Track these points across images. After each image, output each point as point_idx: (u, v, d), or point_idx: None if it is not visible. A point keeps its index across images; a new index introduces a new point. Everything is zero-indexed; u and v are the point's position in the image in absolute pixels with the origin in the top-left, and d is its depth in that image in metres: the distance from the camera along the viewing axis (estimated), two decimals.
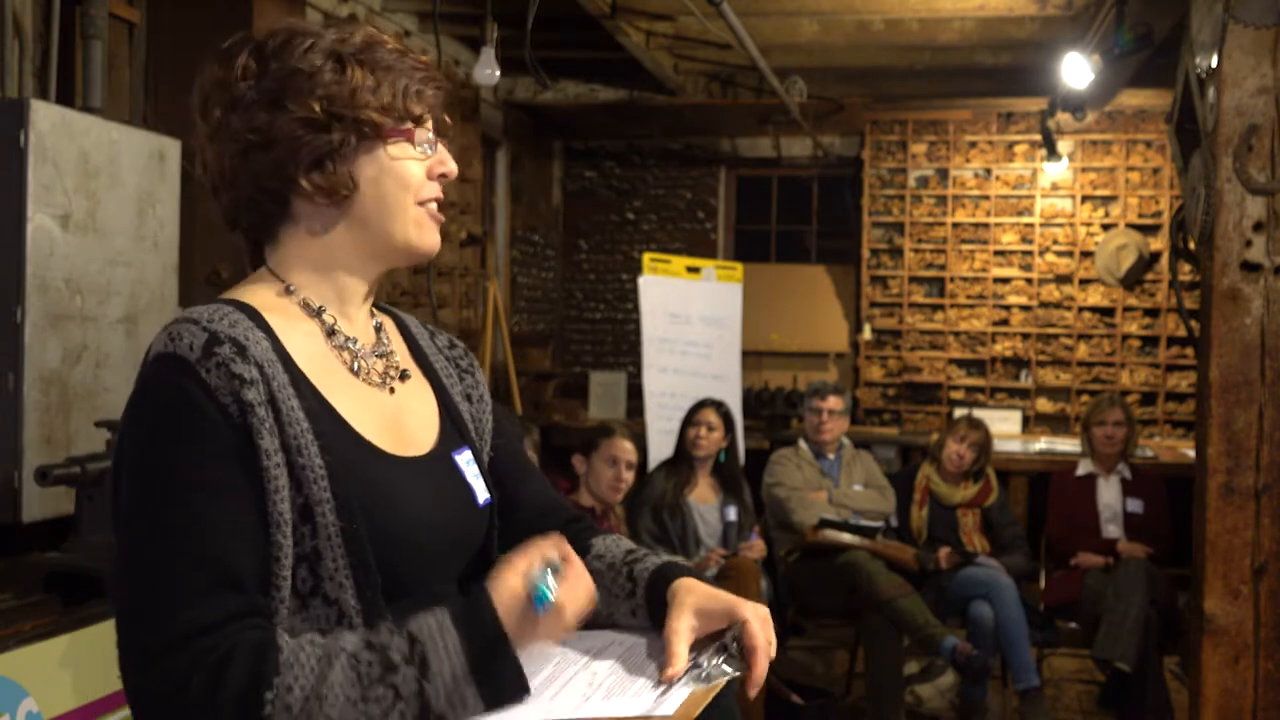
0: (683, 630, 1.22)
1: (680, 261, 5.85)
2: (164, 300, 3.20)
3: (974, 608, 4.48)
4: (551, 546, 1.19)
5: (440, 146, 1.32)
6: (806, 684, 4.50)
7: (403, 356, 1.38)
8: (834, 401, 5.00)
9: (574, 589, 1.17)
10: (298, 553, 1.16)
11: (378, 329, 1.37)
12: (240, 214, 1.31)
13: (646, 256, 5.69)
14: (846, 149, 8.12)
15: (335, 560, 1.17)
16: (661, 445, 5.29)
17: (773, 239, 8.56)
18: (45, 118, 2.76)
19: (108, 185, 2.96)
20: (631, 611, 1.32)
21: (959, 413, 6.56)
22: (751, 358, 7.43)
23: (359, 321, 1.34)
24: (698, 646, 1.23)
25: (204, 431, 1.13)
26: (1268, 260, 2.87)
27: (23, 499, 2.69)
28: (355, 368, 1.30)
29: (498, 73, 3.91)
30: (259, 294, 1.27)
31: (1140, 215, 7.53)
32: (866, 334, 7.83)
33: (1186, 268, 6.34)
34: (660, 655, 1.22)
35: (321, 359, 1.27)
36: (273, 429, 1.16)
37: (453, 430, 1.37)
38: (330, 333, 1.29)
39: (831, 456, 5.02)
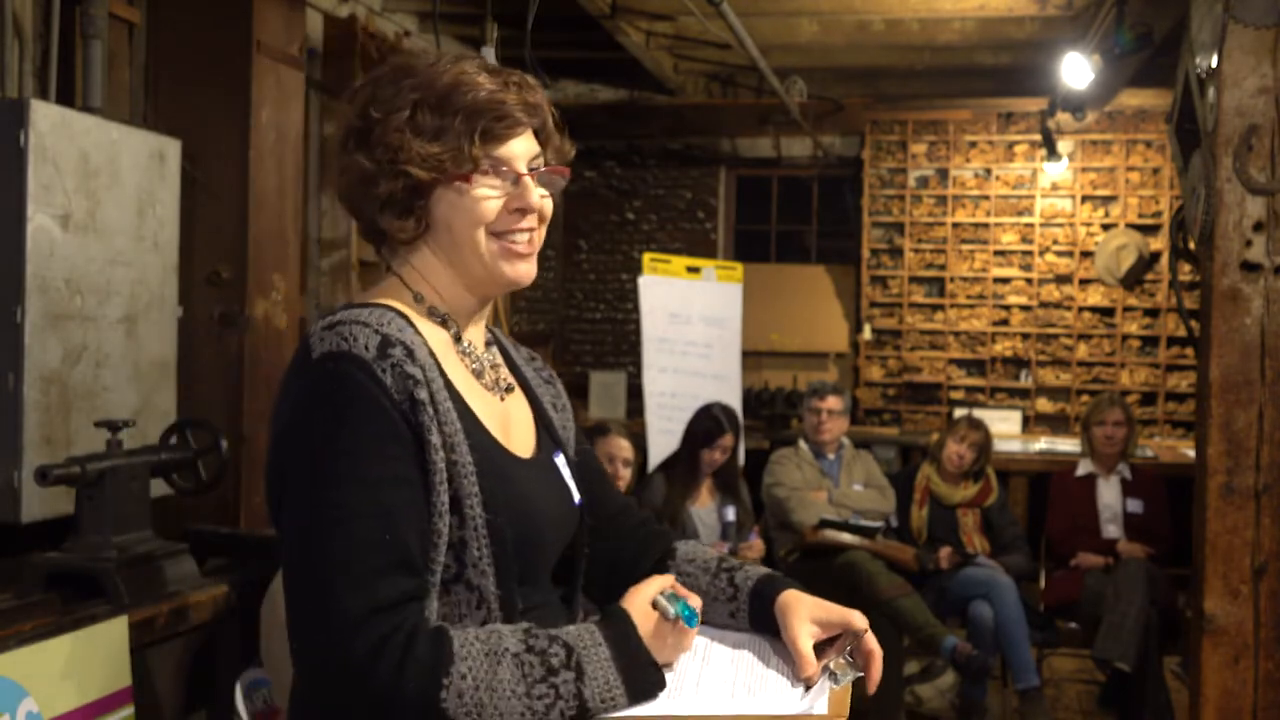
0: (806, 635, 1.35)
1: (680, 261, 5.84)
2: (164, 300, 3.20)
3: (974, 608, 4.48)
4: (665, 581, 1.36)
5: (524, 180, 1.36)
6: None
7: (505, 371, 1.50)
8: (833, 401, 5.00)
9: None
10: (446, 540, 1.27)
11: (489, 344, 1.49)
12: (366, 234, 1.43)
13: (646, 256, 5.69)
14: (846, 149, 8.12)
15: (479, 549, 1.28)
16: (661, 445, 5.29)
17: (773, 239, 8.56)
18: (45, 118, 2.76)
19: (108, 185, 2.96)
20: (730, 614, 1.46)
21: (959, 413, 6.56)
22: (751, 358, 7.43)
23: (475, 334, 1.45)
24: (816, 651, 1.35)
25: (385, 424, 1.24)
26: (1268, 260, 2.87)
27: (23, 499, 2.68)
28: (476, 373, 1.41)
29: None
30: (396, 299, 1.38)
31: (1140, 215, 7.53)
32: (866, 334, 7.83)
33: (1186, 268, 6.34)
34: (775, 657, 1.36)
35: (455, 364, 1.38)
36: (436, 426, 1.27)
37: (547, 436, 1.49)
38: (456, 339, 1.40)
39: (831, 456, 5.02)
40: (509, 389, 1.46)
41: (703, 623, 1.43)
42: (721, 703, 1.26)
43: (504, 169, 1.35)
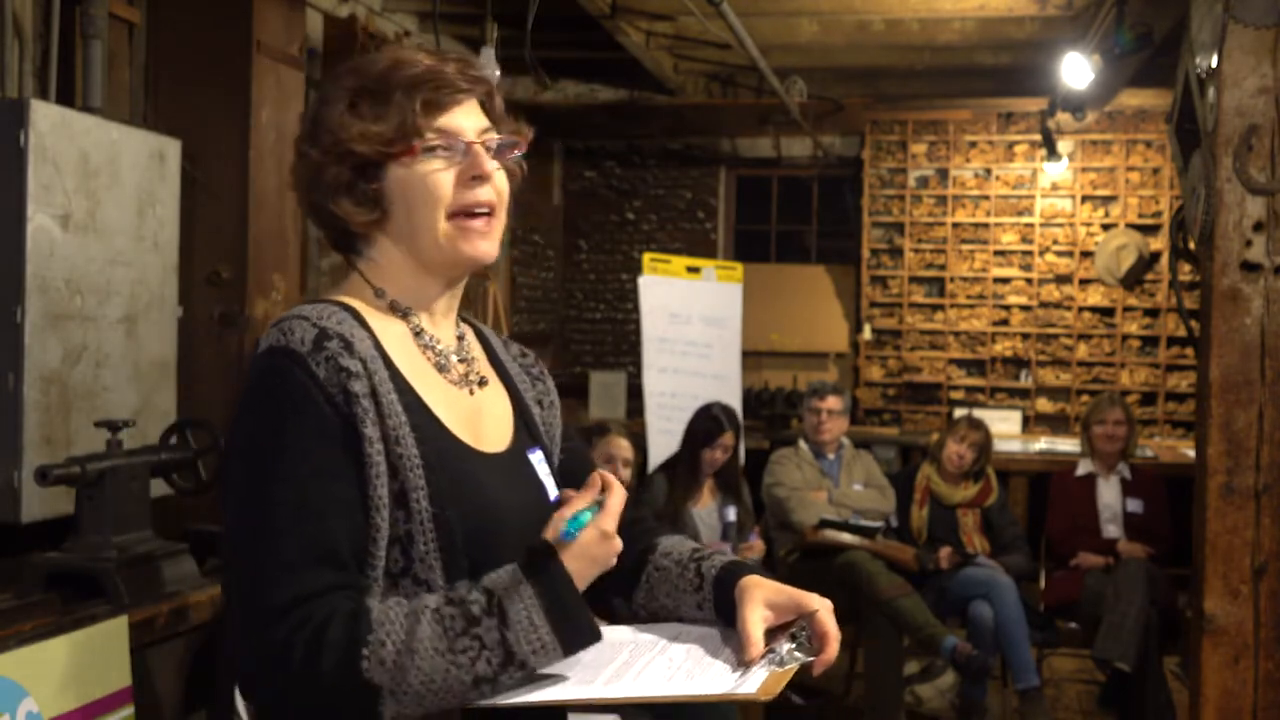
0: (756, 619, 1.32)
1: (680, 261, 5.84)
2: (164, 300, 3.20)
3: (974, 608, 4.48)
4: (597, 486, 1.31)
5: (474, 148, 1.35)
6: (806, 684, 4.51)
7: (482, 365, 1.48)
8: (832, 401, 5.00)
9: (611, 516, 1.30)
10: (391, 535, 1.26)
11: (460, 337, 1.47)
12: (329, 233, 1.43)
13: (646, 256, 5.69)
14: (846, 149, 8.11)
15: (426, 544, 1.27)
16: (661, 445, 5.29)
17: (773, 239, 8.56)
18: (45, 118, 2.76)
19: (108, 185, 2.96)
20: (698, 605, 1.43)
21: (959, 413, 6.55)
22: (751, 358, 7.42)
23: (443, 327, 1.44)
24: (769, 635, 1.33)
25: (313, 418, 1.24)
26: (1268, 260, 2.87)
27: (23, 499, 2.68)
28: (440, 366, 1.40)
29: (498, 73, 3.90)
30: (355, 296, 1.39)
31: (1140, 215, 7.53)
32: (866, 334, 7.83)
33: (1186, 268, 6.34)
34: (733, 643, 1.33)
35: (412, 357, 1.37)
36: (374, 419, 1.26)
37: (525, 432, 1.48)
38: (417, 333, 1.40)
39: (831, 456, 5.02)
40: (482, 382, 1.44)
41: (678, 616, 1.44)
42: (653, 686, 1.24)
43: (453, 139, 1.34)
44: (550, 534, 1.28)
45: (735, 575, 1.40)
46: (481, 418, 1.41)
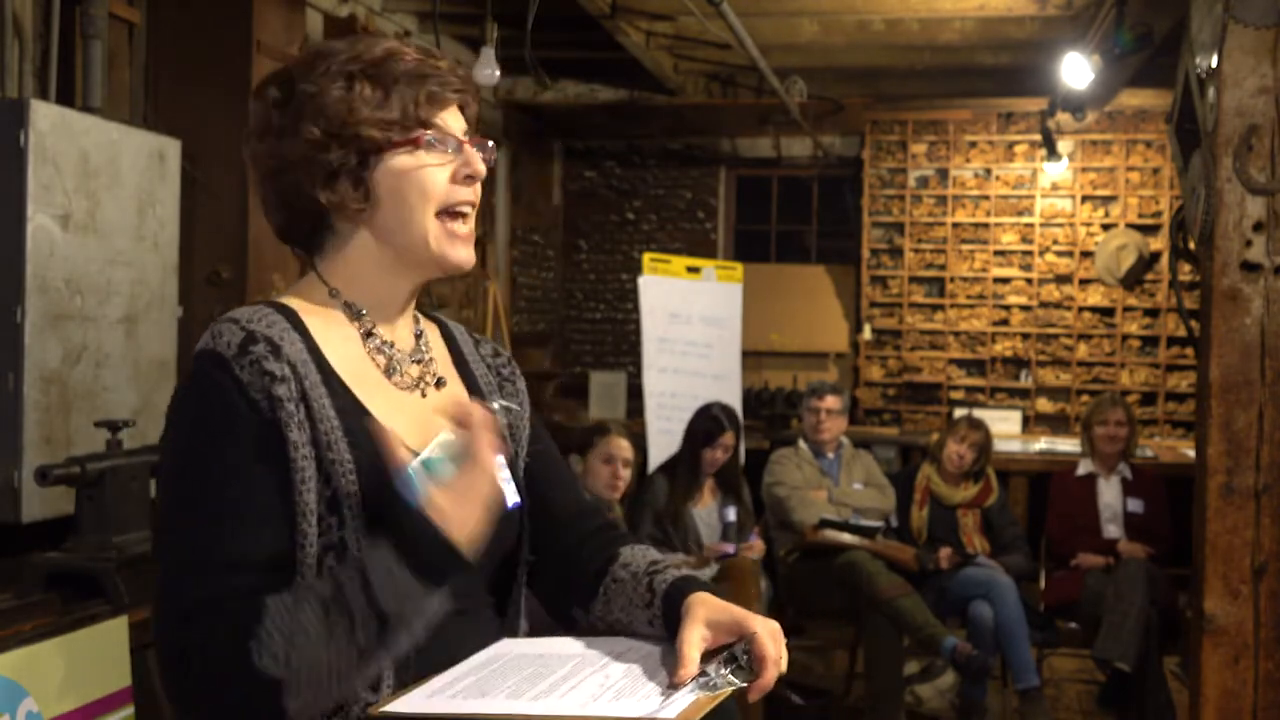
0: (694, 639, 1.26)
1: (680, 261, 5.84)
2: (164, 300, 3.20)
3: (974, 608, 4.48)
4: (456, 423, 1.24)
5: (467, 147, 1.35)
6: (806, 684, 4.51)
7: (442, 364, 1.44)
8: (831, 401, 5.00)
9: (466, 446, 1.23)
10: (324, 542, 1.23)
11: (418, 336, 1.43)
12: (289, 229, 1.39)
13: (646, 256, 5.69)
14: (846, 149, 8.12)
15: (359, 550, 1.23)
16: (661, 445, 5.29)
17: (773, 239, 8.56)
18: (45, 118, 2.76)
19: (108, 185, 2.96)
20: (649, 621, 1.37)
21: (959, 413, 6.55)
22: (751, 358, 7.42)
23: (399, 327, 1.40)
24: (708, 657, 1.27)
25: (233, 423, 1.22)
26: (1268, 260, 2.87)
27: (23, 499, 2.69)
28: (389, 370, 1.36)
29: (498, 73, 3.91)
30: (304, 298, 1.35)
31: (1140, 215, 7.53)
32: (866, 334, 7.83)
33: (1186, 268, 6.34)
34: (670, 662, 1.27)
35: (357, 361, 1.34)
36: (303, 424, 1.23)
37: None
38: (367, 335, 1.36)
39: (831, 456, 5.02)
40: (439, 383, 1.40)
41: (630, 631, 1.38)
42: (574, 705, 1.19)
43: (449, 136, 1.34)
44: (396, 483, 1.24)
45: (683, 591, 1.34)
46: (433, 421, 1.33)
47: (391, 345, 1.37)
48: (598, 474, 4.23)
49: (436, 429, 1.33)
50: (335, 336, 1.33)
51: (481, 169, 1.36)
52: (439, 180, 1.33)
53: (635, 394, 6.66)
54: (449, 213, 1.34)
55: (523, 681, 1.24)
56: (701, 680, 1.23)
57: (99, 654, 2.28)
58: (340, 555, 1.23)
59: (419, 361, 1.40)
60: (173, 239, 3.23)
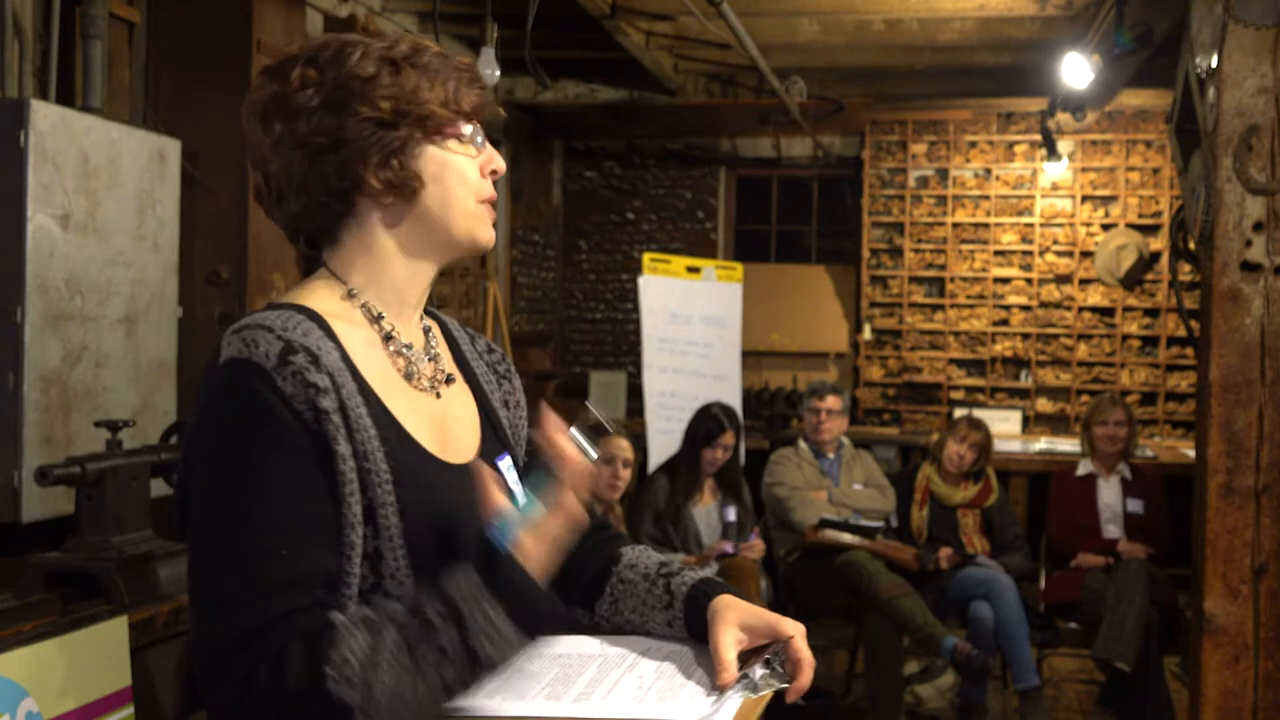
0: (729, 642, 1.28)
1: (680, 261, 5.84)
2: (164, 300, 3.20)
3: (974, 608, 4.48)
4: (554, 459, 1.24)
5: (487, 144, 1.36)
6: None
7: (447, 360, 1.43)
8: (832, 401, 5.00)
9: (564, 488, 1.24)
10: (361, 552, 1.22)
11: (426, 332, 1.41)
12: (306, 219, 1.34)
13: (646, 256, 5.69)
14: (846, 149, 8.12)
15: (396, 560, 1.23)
16: (661, 445, 5.29)
17: (773, 239, 8.56)
18: (45, 118, 2.76)
19: (108, 185, 2.96)
20: (668, 623, 1.38)
21: (959, 413, 6.56)
22: (751, 358, 7.43)
23: (412, 324, 1.38)
24: (743, 659, 1.29)
25: (280, 436, 1.18)
26: (1268, 260, 2.87)
27: (23, 499, 2.68)
28: (408, 373, 1.34)
29: (498, 73, 3.91)
30: (322, 298, 1.32)
31: (1140, 215, 7.53)
32: (866, 334, 7.83)
33: (1186, 268, 6.34)
34: (703, 664, 1.29)
35: (379, 365, 1.31)
36: (345, 435, 1.21)
37: (493, 436, 1.42)
38: (387, 338, 1.34)
39: (831, 456, 5.02)
40: (449, 380, 1.39)
41: (645, 632, 1.40)
42: (623, 708, 1.20)
43: (480, 131, 1.36)
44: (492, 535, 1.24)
45: (708, 594, 1.36)
46: (448, 423, 1.35)
47: (410, 347, 1.36)
48: (598, 474, 4.23)
49: (453, 430, 1.35)
50: (358, 340, 1.30)
51: (503, 166, 1.38)
52: (474, 171, 1.34)
53: (635, 394, 6.66)
54: (482, 201, 1.36)
55: (554, 683, 1.25)
56: (744, 683, 1.25)
57: (99, 654, 2.28)
58: (375, 565, 1.22)
59: (430, 359, 1.39)
60: (173, 239, 3.23)
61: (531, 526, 1.22)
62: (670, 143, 8.39)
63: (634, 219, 8.53)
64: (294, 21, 3.79)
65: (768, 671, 1.27)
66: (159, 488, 2.76)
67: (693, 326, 5.74)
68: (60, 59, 3.25)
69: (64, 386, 2.81)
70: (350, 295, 1.33)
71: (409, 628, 1.15)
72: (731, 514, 4.66)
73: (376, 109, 1.27)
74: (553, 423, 1.25)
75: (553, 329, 8.54)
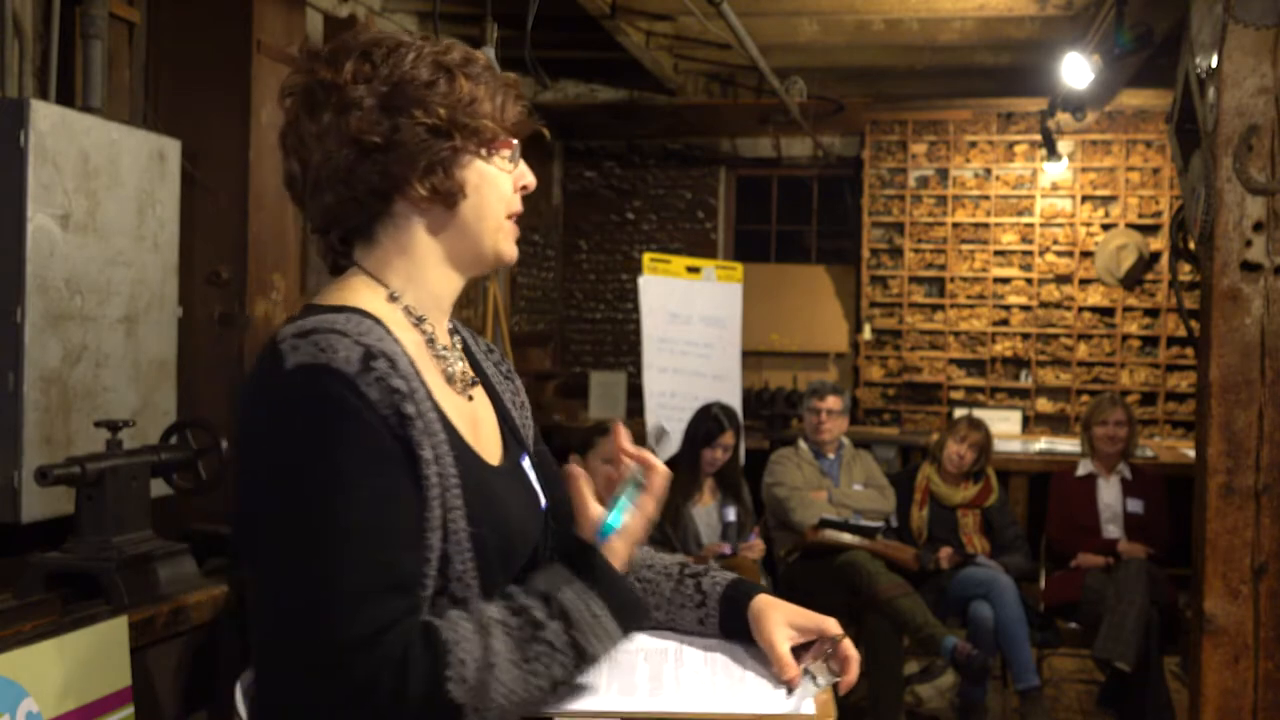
0: (783, 639, 1.36)
1: (680, 261, 5.84)
2: (164, 300, 3.20)
3: (974, 607, 4.48)
4: (634, 469, 1.35)
5: (521, 161, 1.38)
6: None
7: (468, 365, 1.44)
8: (832, 401, 5.00)
9: (655, 498, 1.34)
10: (437, 555, 1.23)
11: (452, 333, 1.43)
12: (341, 213, 1.32)
13: (646, 256, 5.69)
14: (846, 149, 8.12)
15: (464, 563, 1.24)
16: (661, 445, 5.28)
17: (773, 239, 8.56)
18: (45, 118, 2.76)
19: (108, 185, 2.96)
20: (699, 620, 1.45)
21: (959, 413, 6.56)
22: (751, 358, 7.43)
23: (443, 328, 1.39)
24: (795, 655, 1.37)
25: (369, 441, 1.17)
26: (1268, 260, 2.87)
27: (23, 499, 2.68)
28: (449, 376, 1.36)
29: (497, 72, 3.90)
30: (367, 299, 1.31)
31: (1140, 215, 7.53)
32: (866, 334, 7.83)
33: (1186, 268, 6.34)
34: (750, 660, 1.37)
35: (429, 369, 1.32)
36: (427, 439, 1.22)
37: (512, 437, 1.44)
38: (430, 341, 1.35)
39: (831, 456, 5.02)
40: (474, 383, 1.40)
41: (671, 628, 1.46)
42: (707, 700, 1.26)
43: (517, 149, 1.37)
44: (588, 534, 1.30)
45: (745, 594, 1.43)
46: (479, 425, 1.37)
47: (447, 350, 1.37)
48: (598, 474, 4.22)
49: (483, 431, 1.36)
50: (410, 344, 1.29)
51: (534, 182, 1.38)
52: (508, 186, 1.35)
53: (635, 394, 6.66)
54: (509, 216, 1.37)
55: (619, 677, 1.31)
56: (806, 678, 1.33)
57: (99, 654, 2.28)
58: (443, 569, 1.22)
59: (460, 360, 1.40)
60: (173, 239, 3.23)
61: (623, 528, 1.30)
62: (670, 143, 8.39)
63: (634, 219, 8.53)
64: (294, 21, 3.79)
65: (823, 666, 1.35)
66: (159, 488, 2.76)
67: (693, 326, 5.74)
68: (60, 59, 3.25)
69: (64, 386, 2.81)
70: (393, 298, 1.32)
71: (514, 627, 1.17)
72: (731, 514, 4.66)
73: (433, 115, 1.26)
74: (626, 435, 1.37)
75: (553, 329, 8.54)
